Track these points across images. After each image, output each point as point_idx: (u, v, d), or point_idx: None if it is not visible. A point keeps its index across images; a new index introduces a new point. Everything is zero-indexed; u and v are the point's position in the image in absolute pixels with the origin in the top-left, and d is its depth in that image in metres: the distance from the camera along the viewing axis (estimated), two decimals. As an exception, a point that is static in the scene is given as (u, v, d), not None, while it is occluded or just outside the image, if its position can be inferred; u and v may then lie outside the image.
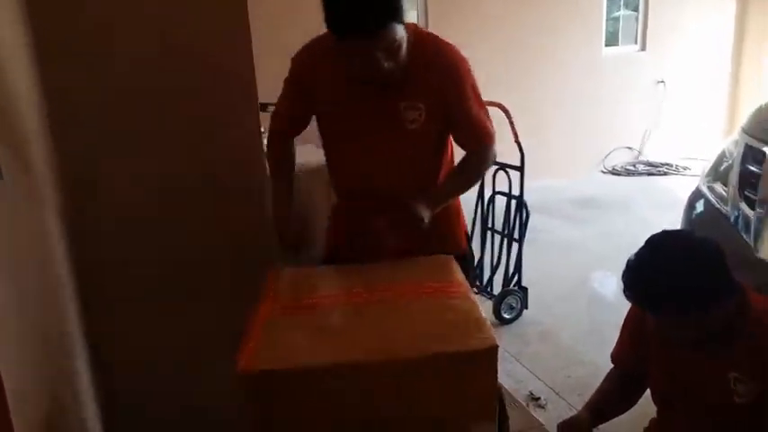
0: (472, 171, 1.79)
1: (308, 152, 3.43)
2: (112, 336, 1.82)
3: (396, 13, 1.47)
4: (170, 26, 1.72)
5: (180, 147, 1.79)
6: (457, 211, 1.85)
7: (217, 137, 1.83)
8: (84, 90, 1.66)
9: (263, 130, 3.61)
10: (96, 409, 1.78)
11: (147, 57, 1.70)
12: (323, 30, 1.52)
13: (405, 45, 1.52)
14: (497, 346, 1.16)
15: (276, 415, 1.17)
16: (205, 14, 1.74)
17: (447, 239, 1.78)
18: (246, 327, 1.28)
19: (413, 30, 1.60)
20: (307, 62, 1.69)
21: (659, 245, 1.34)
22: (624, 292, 1.35)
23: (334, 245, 1.85)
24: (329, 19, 1.47)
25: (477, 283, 3.49)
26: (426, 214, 1.58)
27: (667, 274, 1.28)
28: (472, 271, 1.94)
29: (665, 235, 1.37)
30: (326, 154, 1.81)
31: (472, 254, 1.90)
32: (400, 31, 1.49)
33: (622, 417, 1.67)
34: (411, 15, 5.97)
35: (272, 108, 3.92)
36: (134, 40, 1.69)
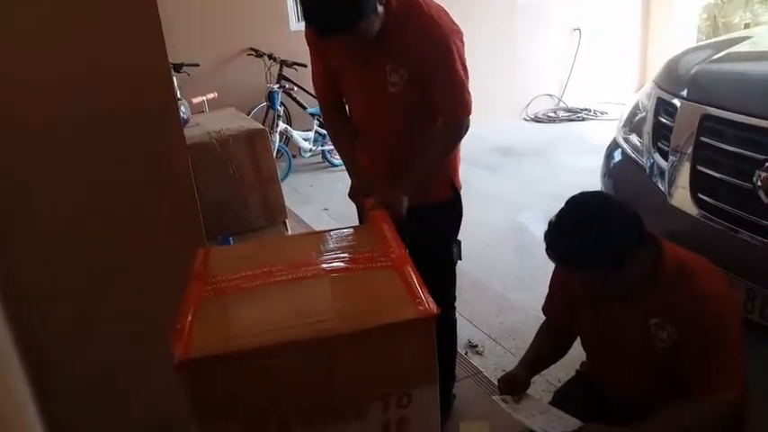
0: (446, 144, 1.88)
1: (229, 117, 3.34)
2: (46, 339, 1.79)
3: (364, 10, 1.59)
4: (75, 19, 1.64)
5: (98, 141, 1.74)
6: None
7: (136, 131, 1.79)
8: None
9: (178, 95, 3.47)
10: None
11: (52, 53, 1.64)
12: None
13: (380, 16, 1.66)
14: (436, 315, 1.19)
15: (214, 398, 1.16)
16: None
17: (428, 191, 1.91)
18: (178, 311, 1.25)
19: None
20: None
21: (577, 205, 1.43)
22: (546, 251, 1.42)
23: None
24: (305, 19, 1.67)
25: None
26: (403, 201, 1.80)
27: (584, 232, 1.37)
28: (455, 218, 2.09)
29: (582, 196, 1.45)
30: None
31: (459, 199, 2.05)
32: (372, 17, 1.63)
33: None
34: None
35: (187, 68, 3.78)
36: (43, 41, 1.62)
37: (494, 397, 1.65)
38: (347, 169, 2.01)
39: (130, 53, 1.73)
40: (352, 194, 2.00)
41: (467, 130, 1.87)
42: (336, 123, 2.02)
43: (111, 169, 1.78)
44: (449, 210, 2.00)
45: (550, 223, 1.43)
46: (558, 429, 1.49)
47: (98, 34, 1.68)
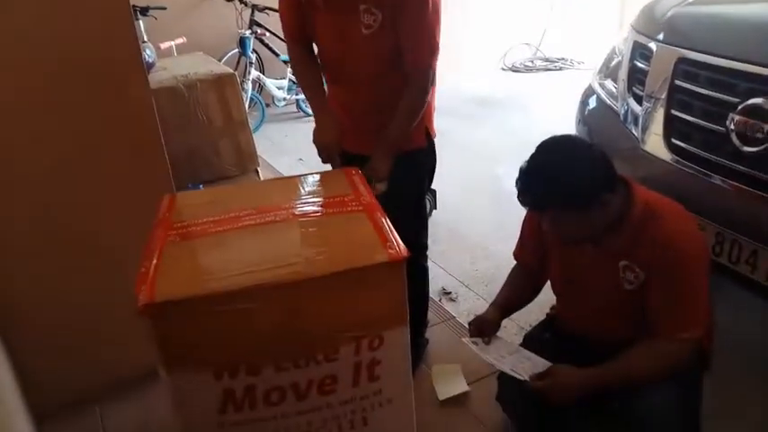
0: (416, 100, 1.81)
1: (198, 61, 3.24)
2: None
3: None
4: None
5: (54, 89, 1.69)
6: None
7: (94, 76, 1.74)
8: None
9: (145, 38, 3.35)
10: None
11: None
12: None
13: None
14: (405, 258, 1.18)
15: (180, 343, 1.14)
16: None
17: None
18: (142, 254, 1.23)
19: None
20: None
21: (546, 149, 1.42)
22: (517, 197, 1.42)
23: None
24: None
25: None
26: (385, 168, 1.79)
27: (553, 175, 1.37)
28: (429, 166, 2.05)
29: (552, 140, 1.44)
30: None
31: (433, 147, 2.01)
32: None
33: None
34: None
35: (153, 11, 3.63)
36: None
37: (464, 339, 1.67)
38: (313, 109, 1.91)
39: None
40: (320, 135, 1.86)
41: (434, 78, 1.82)
42: (303, 58, 1.91)
43: (69, 117, 1.73)
44: (423, 158, 1.98)
45: (521, 169, 1.42)
46: (527, 370, 1.52)
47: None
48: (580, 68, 6.46)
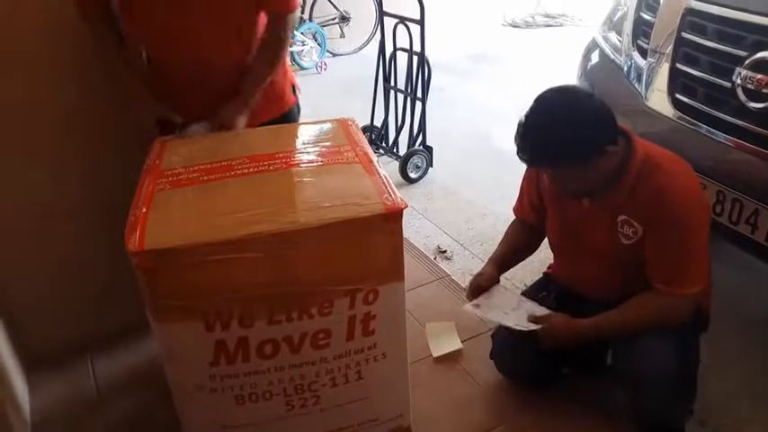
0: (281, 41, 1.63)
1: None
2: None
3: None
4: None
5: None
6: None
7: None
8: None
9: None
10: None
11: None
12: None
13: None
14: (402, 209, 1.15)
15: (171, 294, 1.12)
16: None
17: (278, 100, 1.74)
18: (134, 200, 1.19)
19: None
20: None
21: (544, 102, 1.36)
22: (517, 154, 1.38)
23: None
24: None
25: (384, 144, 3.49)
26: (242, 121, 1.57)
27: (552, 128, 1.32)
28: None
29: (550, 92, 1.38)
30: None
31: (298, 107, 1.83)
32: None
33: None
34: None
35: None
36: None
37: (463, 307, 1.63)
38: (131, 89, 1.57)
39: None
40: (143, 115, 1.57)
41: (294, 26, 1.69)
42: (111, 35, 1.58)
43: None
44: (296, 115, 1.82)
45: (519, 124, 1.37)
46: (531, 325, 1.51)
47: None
48: (581, 25, 6.33)
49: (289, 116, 1.77)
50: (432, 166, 3.33)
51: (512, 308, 1.58)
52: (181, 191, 1.24)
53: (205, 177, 1.28)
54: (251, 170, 1.30)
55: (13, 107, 1.64)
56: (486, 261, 1.75)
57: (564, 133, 1.31)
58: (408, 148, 3.29)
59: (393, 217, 1.16)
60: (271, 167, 1.31)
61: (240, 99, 1.59)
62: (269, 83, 1.63)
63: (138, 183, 1.26)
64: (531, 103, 1.38)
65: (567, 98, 1.38)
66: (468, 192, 3.17)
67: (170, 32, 1.53)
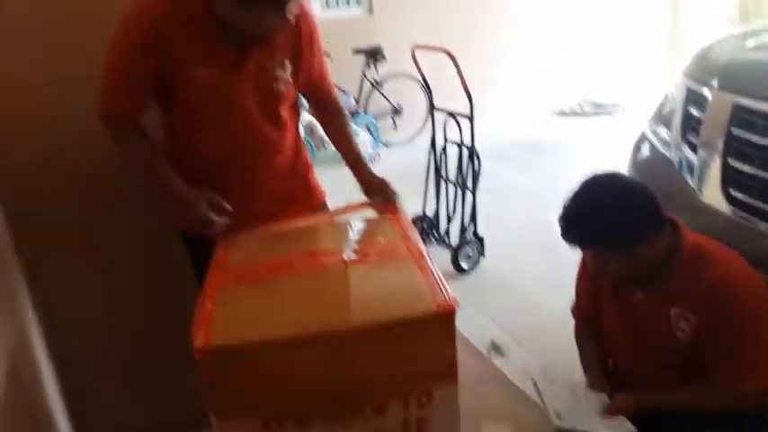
0: (348, 120, 1.83)
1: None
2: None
3: None
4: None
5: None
6: (306, 164, 1.83)
7: None
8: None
9: None
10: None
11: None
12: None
13: None
14: (455, 309, 1.17)
15: (232, 390, 1.15)
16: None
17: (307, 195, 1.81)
18: (199, 300, 1.25)
19: None
20: (160, 27, 1.42)
21: (589, 186, 1.40)
22: (562, 236, 1.40)
23: None
24: None
25: (435, 234, 3.53)
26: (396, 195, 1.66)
27: (598, 211, 1.34)
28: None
29: (596, 177, 1.42)
30: (180, 126, 1.59)
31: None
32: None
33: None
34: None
35: None
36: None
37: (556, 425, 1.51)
38: (169, 191, 1.52)
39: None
40: (193, 214, 1.49)
41: None
42: (142, 140, 1.53)
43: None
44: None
45: (564, 206, 1.40)
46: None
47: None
48: (630, 114, 6.38)
49: (325, 207, 1.85)
50: (483, 255, 3.34)
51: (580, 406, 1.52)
52: (244, 288, 1.30)
53: (266, 275, 1.34)
54: (308, 268, 1.35)
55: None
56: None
57: (606, 218, 1.33)
58: (460, 238, 3.32)
59: (446, 317, 1.17)
60: (327, 264, 1.36)
61: (375, 180, 1.67)
62: (309, 175, 1.77)
63: (207, 277, 1.33)
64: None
65: (612, 183, 1.41)
66: (522, 283, 3.14)
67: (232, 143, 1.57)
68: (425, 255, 1.38)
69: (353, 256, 1.40)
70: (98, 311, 1.87)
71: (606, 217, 1.33)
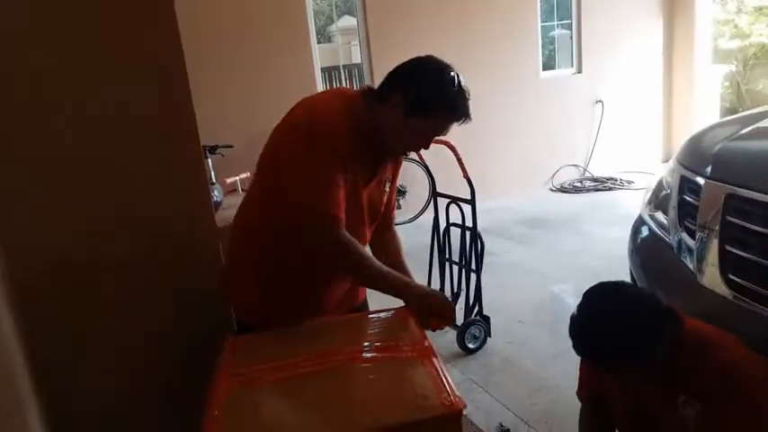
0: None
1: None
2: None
3: None
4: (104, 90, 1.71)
5: (128, 211, 1.79)
6: None
7: (163, 193, 1.83)
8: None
9: (213, 179, 3.50)
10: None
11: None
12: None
13: None
14: (461, 410, 1.18)
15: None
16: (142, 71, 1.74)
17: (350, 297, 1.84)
18: (206, 402, 1.27)
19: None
20: (343, 134, 1.51)
21: (594, 299, 1.46)
22: (573, 347, 1.46)
23: None
24: (447, 102, 1.54)
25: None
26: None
27: (604, 328, 1.41)
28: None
29: (600, 289, 1.48)
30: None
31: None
32: None
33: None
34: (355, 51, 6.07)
35: (221, 150, 3.57)
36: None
37: None
38: (409, 286, 1.62)
39: (164, 137, 1.79)
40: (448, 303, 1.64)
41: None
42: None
43: (138, 255, 1.81)
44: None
45: (572, 319, 1.47)
46: None
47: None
48: (629, 188, 6.50)
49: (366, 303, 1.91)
50: (490, 335, 3.33)
51: None
52: (252, 390, 1.31)
53: (274, 376, 1.36)
54: (315, 368, 1.37)
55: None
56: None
57: (614, 333, 1.38)
58: (465, 318, 3.32)
59: (452, 418, 1.19)
60: (334, 365, 1.38)
61: (419, 288, 1.62)
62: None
63: (213, 380, 1.35)
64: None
65: (614, 295, 1.46)
66: (529, 362, 3.12)
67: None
68: (431, 352, 1.41)
69: (359, 356, 1.43)
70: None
71: (612, 333, 1.39)
